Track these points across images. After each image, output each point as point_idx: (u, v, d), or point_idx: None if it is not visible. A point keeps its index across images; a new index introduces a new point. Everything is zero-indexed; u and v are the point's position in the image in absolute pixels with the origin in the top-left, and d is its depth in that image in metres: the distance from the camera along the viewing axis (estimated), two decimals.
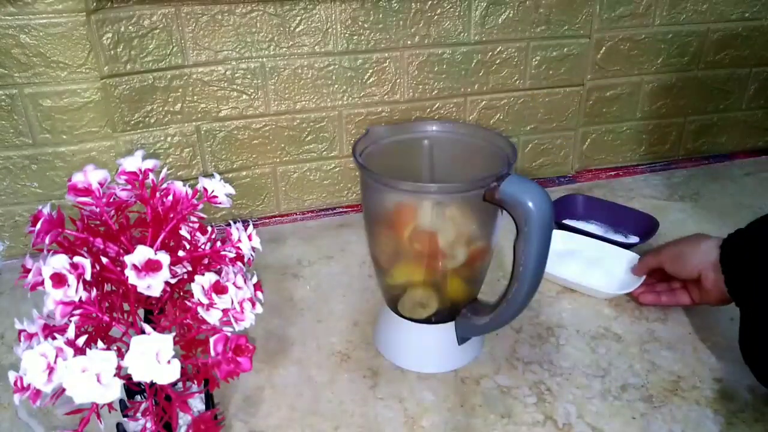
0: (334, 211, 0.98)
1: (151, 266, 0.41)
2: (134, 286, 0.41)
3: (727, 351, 0.67)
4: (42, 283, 0.40)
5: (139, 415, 0.47)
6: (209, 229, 0.50)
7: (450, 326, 0.64)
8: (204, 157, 0.89)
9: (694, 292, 0.70)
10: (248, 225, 0.50)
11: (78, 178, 0.46)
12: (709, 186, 1.04)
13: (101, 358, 0.38)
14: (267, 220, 0.96)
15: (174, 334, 0.41)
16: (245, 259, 0.49)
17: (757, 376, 0.59)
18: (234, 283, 0.45)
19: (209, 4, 0.79)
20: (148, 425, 0.45)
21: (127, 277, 0.41)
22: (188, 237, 0.48)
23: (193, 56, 0.82)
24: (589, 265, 0.79)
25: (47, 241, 0.43)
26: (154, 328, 0.41)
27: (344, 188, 0.97)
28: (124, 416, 0.49)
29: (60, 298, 0.40)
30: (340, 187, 0.97)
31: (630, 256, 0.78)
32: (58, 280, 0.40)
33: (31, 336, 0.43)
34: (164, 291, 0.43)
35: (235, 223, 0.50)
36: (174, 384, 0.41)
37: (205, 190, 0.49)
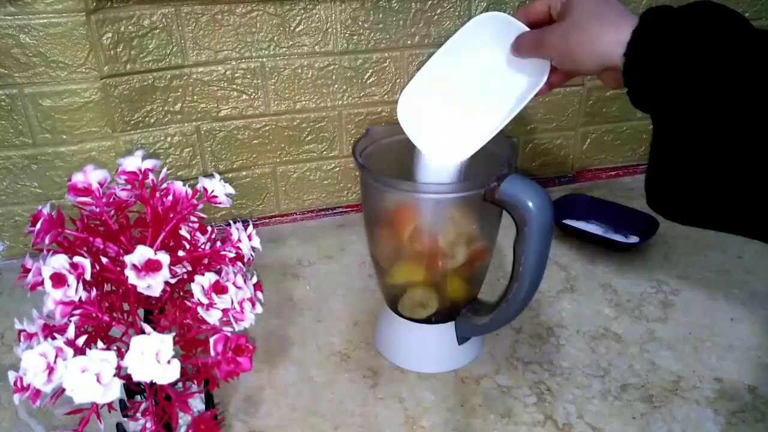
0: (334, 211, 0.98)
1: (151, 266, 0.41)
2: (134, 286, 0.41)
3: (727, 351, 0.67)
4: (42, 283, 0.40)
5: (139, 415, 0.47)
6: (209, 229, 0.50)
7: (450, 326, 0.64)
8: (204, 157, 0.88)
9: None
10: (248, 225, 0.50)
11: (78, 178, 0.46)
12: None
13: (101, 358, 0.38)
14: (267, 220, 0.96)
15: (174, 334, 0.41)
16: (245, 259, 0.49)
17: (660, 205, 0.44)
18: (234, 283, 0.45)
19: (209, 4, 0.79)
20: (148, 425, 0.45)
21: (127, 277, 0.41)
22: (188, 237, 0.48)
23: (193, 56, 0.82)
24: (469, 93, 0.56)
25: (47, 241, 0.43)
26: (154, 328, 0.41)
27: (344, 188, 0.97)
28: (124, 416, 0.49)
29: (60, 298, 0.40)
30: (340, 187, 0.97)
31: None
32: (58, 280, 0.40)
33: (31, 336, 0.43)
34: (164, 291, 0.43)
35: (235, 223, 0.50)
36: (174, 384, 0.41)
37: (205, 190, 0.49)
